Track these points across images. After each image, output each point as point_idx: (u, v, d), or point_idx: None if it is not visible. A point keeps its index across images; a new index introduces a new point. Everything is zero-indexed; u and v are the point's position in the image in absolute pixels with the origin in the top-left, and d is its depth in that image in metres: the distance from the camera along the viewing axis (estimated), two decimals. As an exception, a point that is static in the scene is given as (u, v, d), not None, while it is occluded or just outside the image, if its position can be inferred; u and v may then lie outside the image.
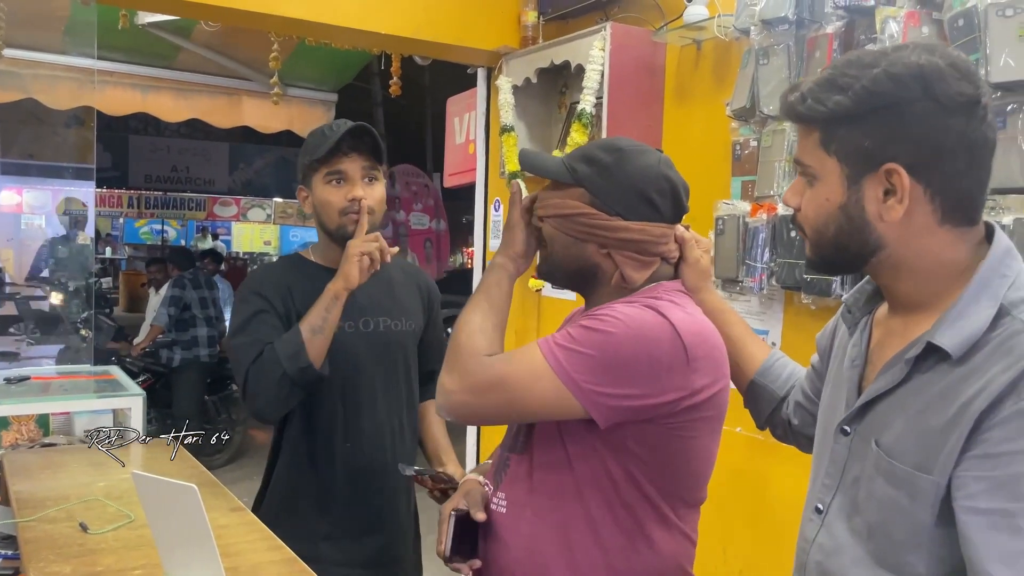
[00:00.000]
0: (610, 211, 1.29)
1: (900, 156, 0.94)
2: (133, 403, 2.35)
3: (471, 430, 3.66)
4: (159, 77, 4.62)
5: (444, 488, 1.69)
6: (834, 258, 1.03)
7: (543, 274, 1.41)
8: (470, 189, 3.82)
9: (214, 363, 6.35)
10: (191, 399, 6.07)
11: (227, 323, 6.73)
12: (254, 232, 21.31)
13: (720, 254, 2.33)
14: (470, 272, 4.11)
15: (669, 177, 1.33)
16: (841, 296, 2.02)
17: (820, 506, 1.08)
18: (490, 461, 1.51)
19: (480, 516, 1.36)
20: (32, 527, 1.61)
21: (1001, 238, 0.98)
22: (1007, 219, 1.69)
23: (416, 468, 1.70)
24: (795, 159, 1.04)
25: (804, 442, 1.33)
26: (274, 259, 20.00)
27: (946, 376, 0.93)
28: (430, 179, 11.63)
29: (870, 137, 0.95)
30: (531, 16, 3.07)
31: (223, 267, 9.83)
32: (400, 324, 1.90)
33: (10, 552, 1.88)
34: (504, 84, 3.05)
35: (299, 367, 1.64)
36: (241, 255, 20.60)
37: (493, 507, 1.38)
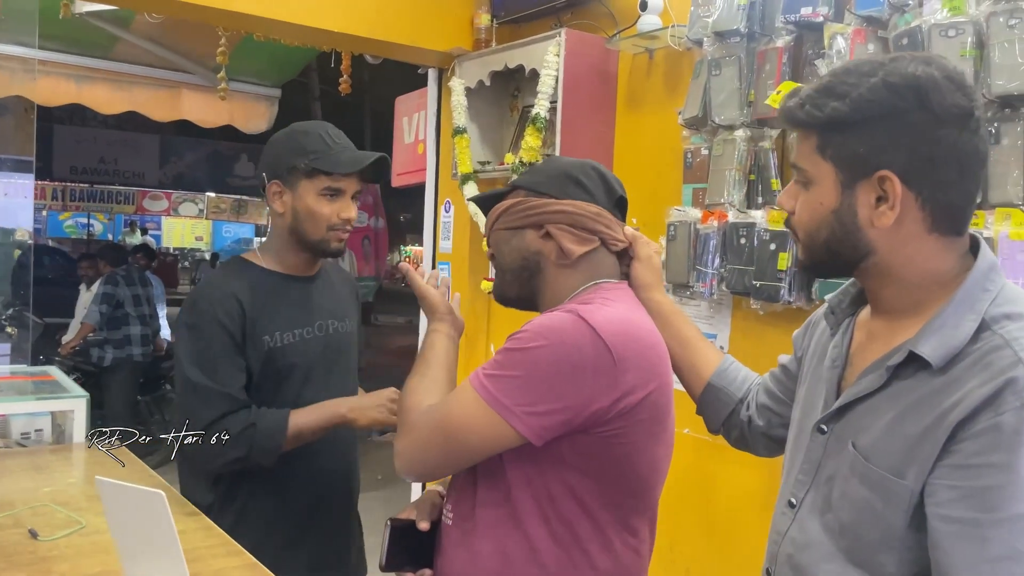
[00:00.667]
0: (542, 195, 1.34)
1: (894, 164, 0.97)
2: (76, 405, 2.28)
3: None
4: (95, 67, 4.46)
5: None
6: (824, 262, 1.06)
7: (497, 293, 1.42)
8: (409, 187, 3.81)
9: (147, 362, 6.18)
10: (123, 399, 5.90)
11: (161, 321, 6.58)
12: (185, 227, 20.82)
13: (671, 259, 2.38)
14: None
15: (596, 166, 1.38)
16: (789, 302, 2.10)
17: (793, 500, 1.11)
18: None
19: (423, 526, 1.35)
20: (-23, 535, 1.56)
21: (986, 252, 1.02)
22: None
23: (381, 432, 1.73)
24: (792, 163, 1.07)
25: (766, 443, 1.37)
26: (206, 255, 19.53)
27: (925, 385, 0.96)
28: (368, 176, 11.57)
29: (865, 144, 0.98)
30: (484, 19, 3.08)
31: (154, 263, 9.53)
32: (345, 325, 1.88)
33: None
34: (457, 86, 3.05)
35: (260, 462, 1.64)
36: (171, 251, 20.09)
37: (443, 518, 1.37)
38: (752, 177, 2.25)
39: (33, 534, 1.55)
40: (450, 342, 1.39)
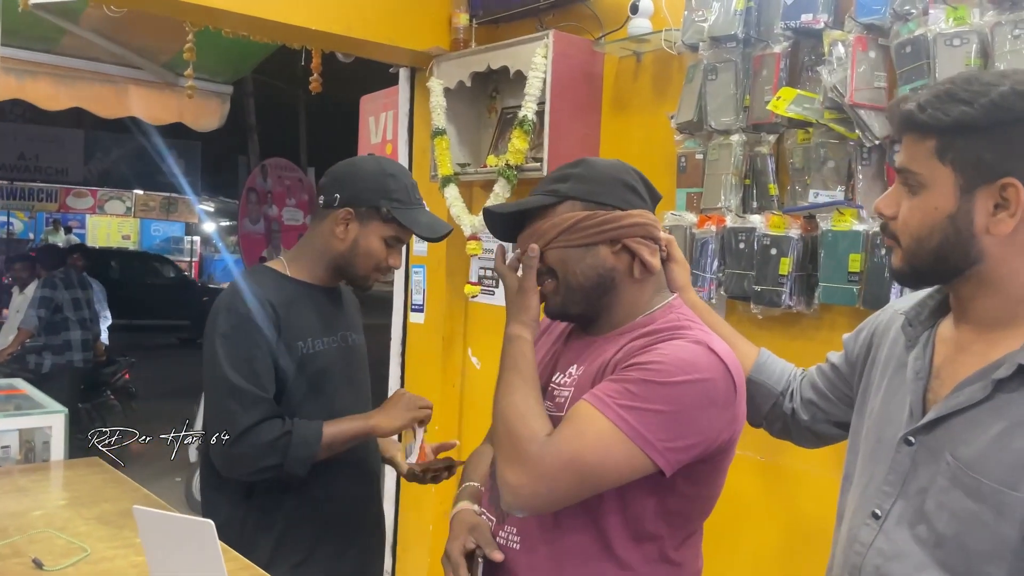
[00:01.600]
0: (605, 206, 1.29)
1: (1018, 171, 0.98)
2: (54, 421, 2.16)
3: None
4: (39, 62, 4.24)
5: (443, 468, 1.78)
6: (929, 268, 1.06)
7: (557, 311, 1.35)
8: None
9: (88, 368, 5.95)
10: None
11: (101, 325, 6.33)
12: (112, 226, 20.10)
13: (666, 263, 2.38)
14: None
15: (634, 169, 1.37)
16: (790, 306, 2.11)
17: (878, 512, 1.10)
18: (475, 484, 1.44)
19: (498, 556, 1.29)
20: (-25, 566, 1.46)
21: None
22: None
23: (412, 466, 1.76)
24: (900, 167, 1.06)
25: (809, 437, 1.40)
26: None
27: None
28: (304, 174, 11.34)
29: (991, 150, 0.98)
30: (463, 18, 3.03)
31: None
32: (359, 339, 1.90)
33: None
34: (436, 86, 2.99)
35: (294, 471, 1.61)
36: (98, 250, 19.36)
37: (501, 542, 1.32)
38: (748, 182, 2.27)
39: (38, 564, 1.46)
40: (533, 351, 1.31)
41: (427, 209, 1.81)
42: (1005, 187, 0.99)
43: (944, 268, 1.05)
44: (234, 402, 1.59)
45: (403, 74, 3.43)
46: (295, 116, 17.68)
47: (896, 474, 1.09)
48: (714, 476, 1.27)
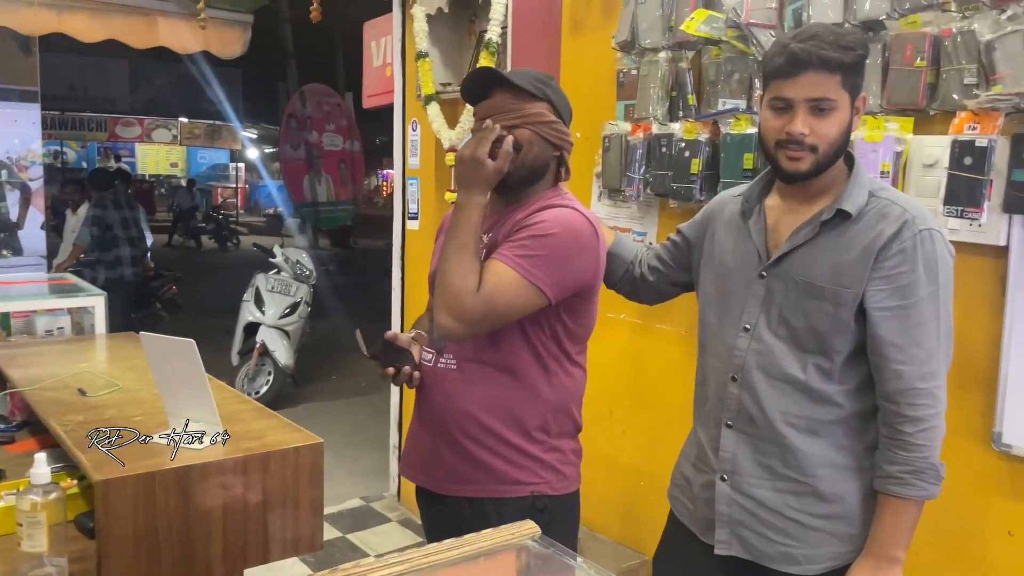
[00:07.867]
0: (563, 123, 1.70)
1: (863, 88, 1.50)
2: (96, 302, 2.64)
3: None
4: (75, -4, 4.68)
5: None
6: (828, 163, 1.50)
7: (508, 174, 1.63)
8: (386, 109, 4.11)
9: (138, 282, 6.53)
10: (118, 317, 6.25)
11: (147, 243, 6.91)
12: (160, 154, 20.80)
13: (606, 168, 2.75)
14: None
15: None
16: (701, 201, 2.47)
17: (748, 326, 1.57)
18: (421, 332, 1.80)
19: (389, 335, 1.66)
20: (37, 394, 1.94)
21: (854, 155, 1.57)
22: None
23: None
24: (818, 97, 1.45)
25: (652, 295, 1.88)
26: (183, 182, 19.48)
27: (849, 230, 1.48)
28: (342, 99, 11.58)
29: (861, 77, 1.49)
30: (442, -51, 3.35)
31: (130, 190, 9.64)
32: None
33: (2, 426, 2.20)
34: (418, 13, 3.34)
35: None
36: (147, 178, 20.14)
37: (441, 366, 1.69)
38: (673, 94, 2.60)
39: (82, 392, 1.94)
40: (481, 213, 1.57)
41: None
42: (864, 99, 1.49)
43: (834, 161, 1.50)
44: None
45: (395, 1, 3.77)
46: (332, 43, 17.91)
47: (756, 299, 1.56)
48: (587, 308, 1.67)
